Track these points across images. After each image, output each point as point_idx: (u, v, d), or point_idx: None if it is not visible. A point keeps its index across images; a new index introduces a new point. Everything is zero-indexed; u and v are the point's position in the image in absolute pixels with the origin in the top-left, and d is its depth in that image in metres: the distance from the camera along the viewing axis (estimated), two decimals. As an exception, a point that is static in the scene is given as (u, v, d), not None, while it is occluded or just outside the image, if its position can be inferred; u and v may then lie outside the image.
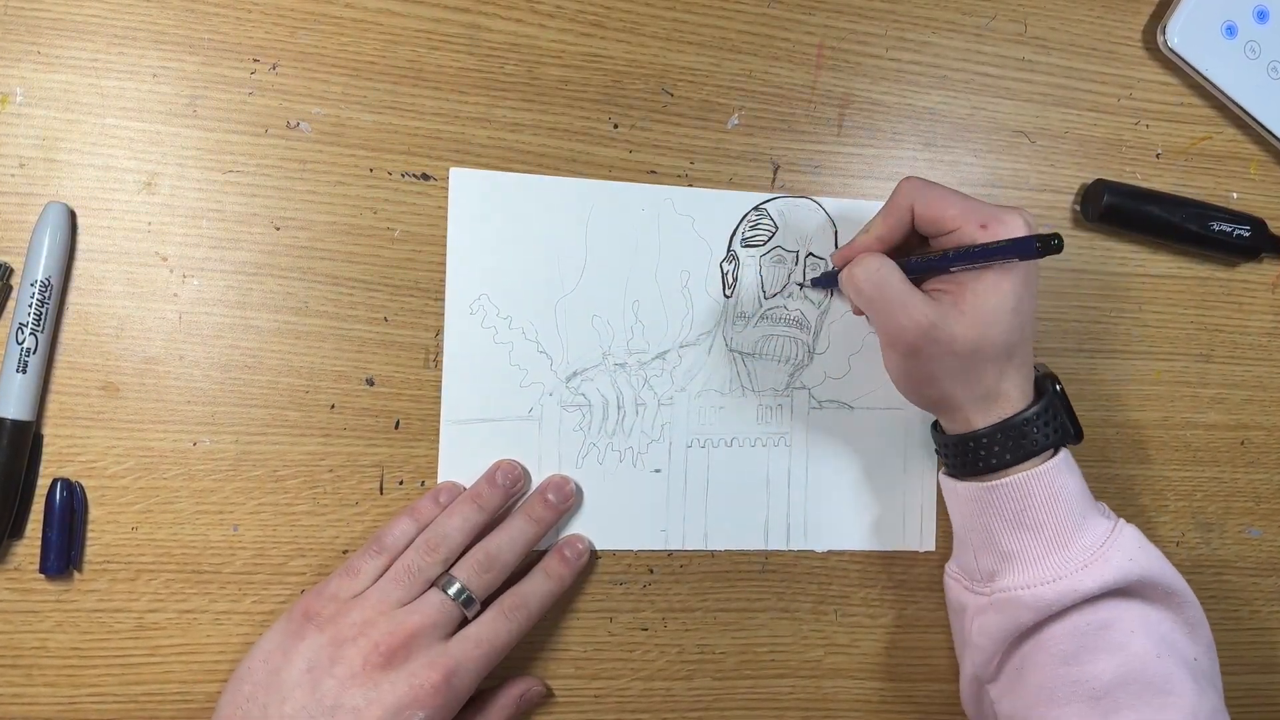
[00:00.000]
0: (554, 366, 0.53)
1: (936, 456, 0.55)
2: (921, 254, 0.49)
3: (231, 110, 0.50)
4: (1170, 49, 0.58)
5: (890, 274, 0.47)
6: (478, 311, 0.52)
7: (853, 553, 0.56)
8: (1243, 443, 0.61)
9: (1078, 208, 0.59)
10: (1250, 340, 0.61)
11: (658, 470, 0.54)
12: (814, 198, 0.55)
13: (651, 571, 0.54)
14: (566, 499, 0.52)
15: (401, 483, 0.51)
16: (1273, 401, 0.61)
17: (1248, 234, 0.58)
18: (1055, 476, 0.48)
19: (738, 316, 0.55)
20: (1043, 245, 0.44)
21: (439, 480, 0.51)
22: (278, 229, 0.50)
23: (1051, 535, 0.48)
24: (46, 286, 0.47)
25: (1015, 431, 0.48)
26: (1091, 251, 0.59)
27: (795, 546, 0.56)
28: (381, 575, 0.47)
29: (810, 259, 0.55)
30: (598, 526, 0.53)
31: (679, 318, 0.55)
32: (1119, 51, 0.59)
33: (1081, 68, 0.59)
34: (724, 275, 0.55)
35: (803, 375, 0.56)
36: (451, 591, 0.47)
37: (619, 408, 0.54)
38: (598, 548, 0.54)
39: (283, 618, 0.46)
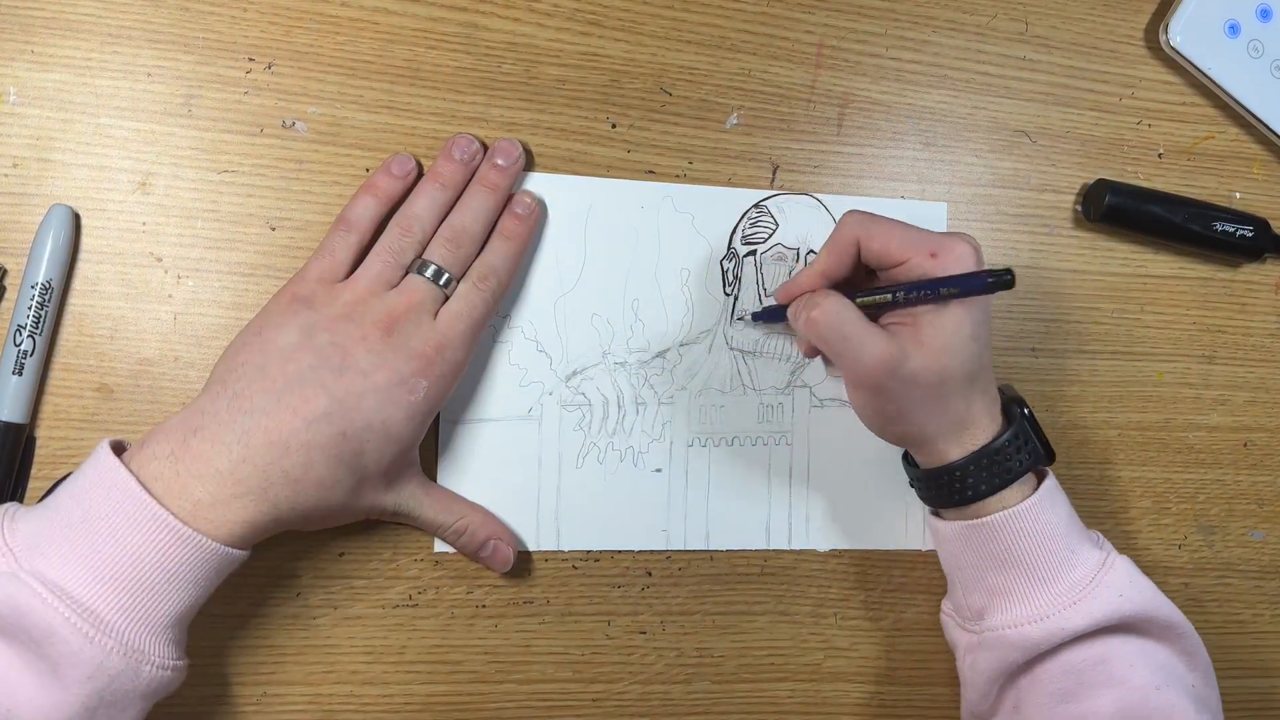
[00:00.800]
0: (553, 365, 0.53)
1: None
2: (869, 290, 0.48)
3: (227, 110, 0.50)
4: (1172, 48, 0.58)
5: (847, 313, 0.47)
6: None
7: (852, 555, 0.56)
8: (1245, 445, 0.61)
9: (1079, 208, 0.59)
10: (1253, 342, 0.61)
11: (658, 470, 0.54)
12: (815, 195, 0.56)
13: (649, 574, 0.54)
14: (515, 159, 0.51)
15: (398, 485, 0.51)
16: (1276, 403, 0.62)
17: (1251, 234, 0.58)
18: (1040, 512, 0.48)
19: (738, 315, 0.55)
20: (995, 281, 0.44)
21: (438, 480, 0.52)
22: (273, 229, 0.50)
23: (1037, 572, 0.48)
24: (47, 289, 0.47)
25: (989, 460, 0.48)
26: (1093, 252, 0.59)
27: (797, 545, 0.56)
28: (355, 255, 0.48)
29: (811, 256, 0.56)
30: (598, 527, 0.54)
31: (679, 316, 0.55)
32: (1121, 50, 0.59)
33: (1083, 67, 0.59)
34: (724, 273, 0.55)
35: (804, 373, 0.56)
36: (429, 274, 0.47)
37: (619, 407, 0.54)
38: (599, 549, 0.54)
39: (268, 304, 0.47)
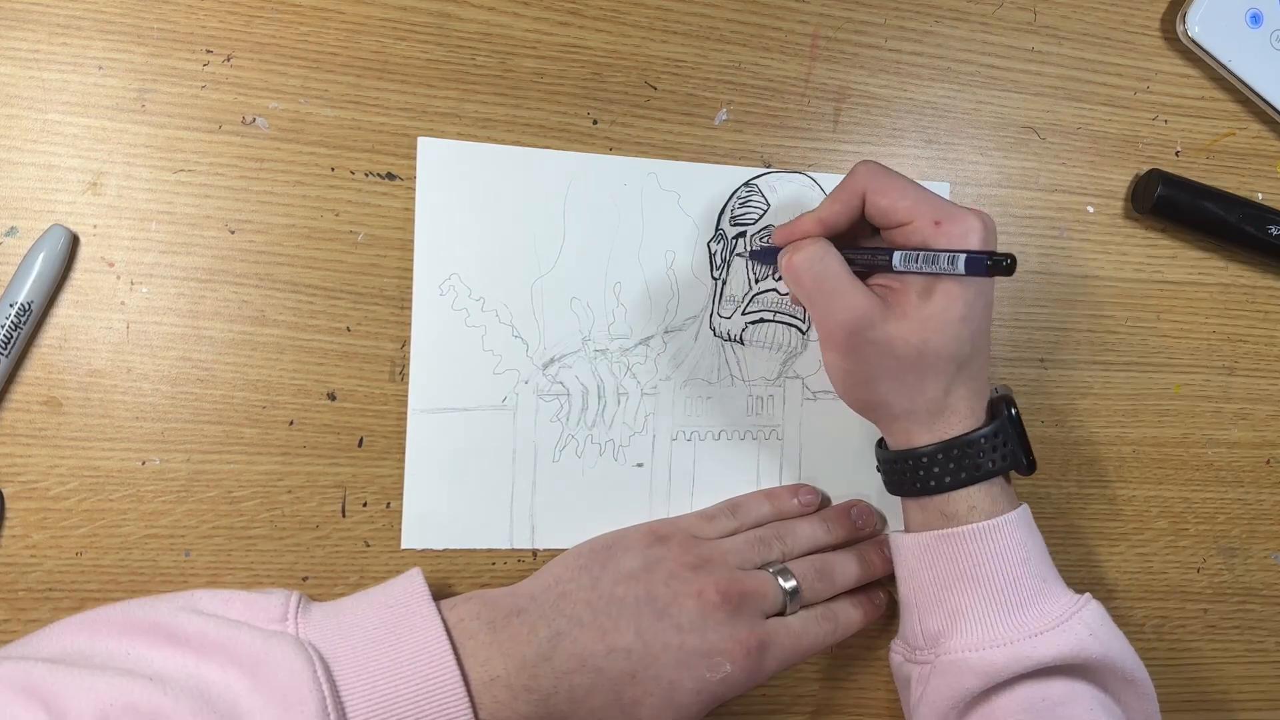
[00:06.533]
0: (530, 352, 0.54)
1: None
2: (867, 251, 0.50)
3: (183, 105, 0.51)
4: (1191, 39, 0.60)
5: (831, 262, 0.48)
6: (448, 292, 0.53)
7: (849, 579, 0.58)
8: (1268, 461, 0.63)
9: (1129, 200, 0.60)
10: (1277, 352, 0.63)
11: (640, 464, 0.56)
12: (809, 173, 0.57)
13: (633, 599, 0.56)
14: (888, 563, 0.55)
15: (365, 504, 0.53)
16: (1301, 417, 0.63)
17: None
18: (1014, 531, 0.49)
19: (726, 300, 0.56)
20: (993, 264, 0.45)
21: (404, 494, 0.53)
22: (232, 232, 0.51)
23: (1006, 594, 0.49)
24: (25, 310, 0.48)
25: (959, 452, 0.49)
26: (1105, 257, 0.60)
27: None
28: (728, 534, 0.54)
29: None
30: (576, 525, 0.55)
31: (663, 301, 0.56)
32: (1136, 41, 0.61)
33: (1095, 59, 0.60)
34: (711, 256, 0.56)
35: (795, 364, 0.57)
36: (784, 580, 0.52)
37: (599, 397, 0.55)
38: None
39: (629, 529, 0.53)
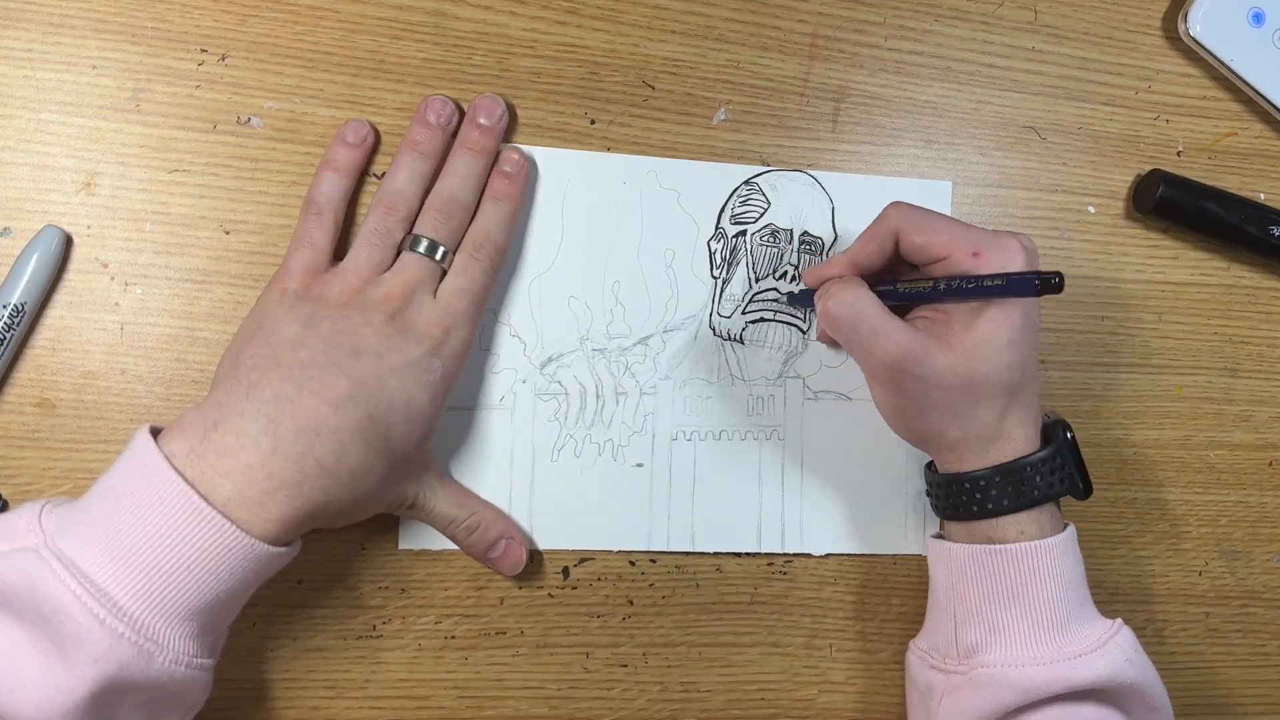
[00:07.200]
0: (527, 351, 0.54)
1: (929, 506, 0.57)
2: (908, 282, 0.50)
3: (177, 104, 0.51)
4: (1192, 38, 0.60)
5: (865, 303, 0.49)
6: None
7: (848, 583, 0.58)
8: (1270, 464, 0.63)
9: (1131, 200, 0.60)
10: (1279, 353, 0.63)
11: (640, 465, 0.56)
12: (810, 171, 0.57)
13: (631, 603, 0.56)
14: (499, 117, 0.52)
15: (361, 507, 0.53)
16: (1303, 418, 0.63)
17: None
18: (1063, 554, 0.50)
19: (726, 299, 0.57)
20: (1043, 284, 0.45)
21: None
22: (227, 233, 0.51)
23: (1049, 616, 0.49)
24: (18, 311, 0.48)
25: (1016, 475, 0.49)
26: (1107, 257, 0.61)
27: (790, 549, 0.57)
28: (334, 236, 0.50)
29: (805, 237, 0.57)
30: (575, 526, 0.55)
31: (663, 300, 0.56)
32: (1137, 41, 0.61)
33: (1096, 58, 0.60)
34: (711, 254, 0.56)
35: (796, 363, 0.57)
36: (422, 249, 0.49)
37: (598, 397, 0.55)
38: (575, 548, 0.55)
39: (258, 303, 0.48)
